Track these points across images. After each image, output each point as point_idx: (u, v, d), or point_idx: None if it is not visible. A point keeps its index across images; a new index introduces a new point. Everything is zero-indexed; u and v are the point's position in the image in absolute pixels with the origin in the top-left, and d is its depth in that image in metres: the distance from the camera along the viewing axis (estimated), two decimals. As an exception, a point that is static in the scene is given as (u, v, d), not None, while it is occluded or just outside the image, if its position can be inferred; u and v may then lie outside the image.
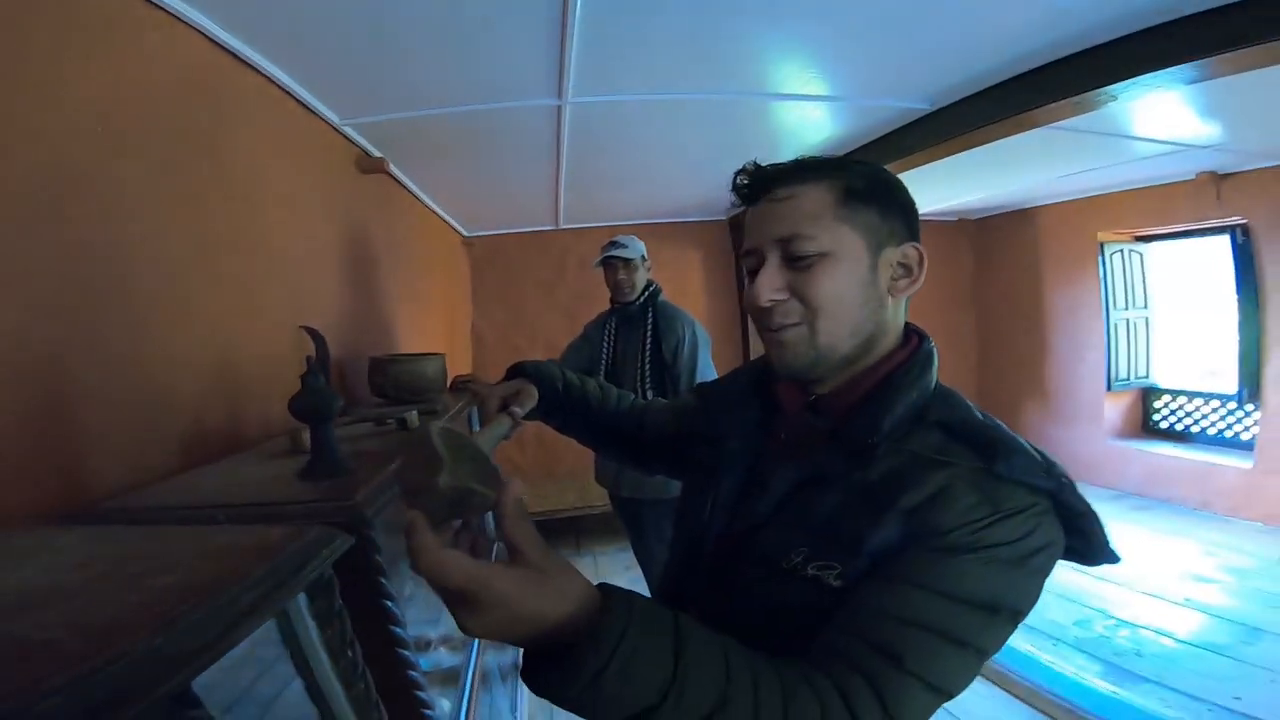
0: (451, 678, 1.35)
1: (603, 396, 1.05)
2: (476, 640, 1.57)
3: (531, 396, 0.95)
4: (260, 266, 1.45)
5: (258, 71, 1.49)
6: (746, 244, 0.71)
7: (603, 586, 0.50)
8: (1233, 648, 2.53)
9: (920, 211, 0.73)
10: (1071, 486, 0.60)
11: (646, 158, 2.87)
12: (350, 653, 0.65)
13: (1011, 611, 0.57)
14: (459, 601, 0.45)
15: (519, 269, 4.48)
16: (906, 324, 0.74)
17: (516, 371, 1.03)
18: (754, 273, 0.69)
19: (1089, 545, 0.61)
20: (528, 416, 0.97)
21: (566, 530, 4.08)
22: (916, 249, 0.69)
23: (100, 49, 0.99)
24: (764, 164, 0.71)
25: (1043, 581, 0.59)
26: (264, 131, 1.53)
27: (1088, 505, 0.60)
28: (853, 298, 0.67)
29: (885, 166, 2.88)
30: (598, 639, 0.45)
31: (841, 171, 0.68)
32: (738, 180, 0.72)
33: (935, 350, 0.72)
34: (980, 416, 0.66)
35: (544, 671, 0.47)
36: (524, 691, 2.40)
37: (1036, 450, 0.61)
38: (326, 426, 0.90)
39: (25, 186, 0.83)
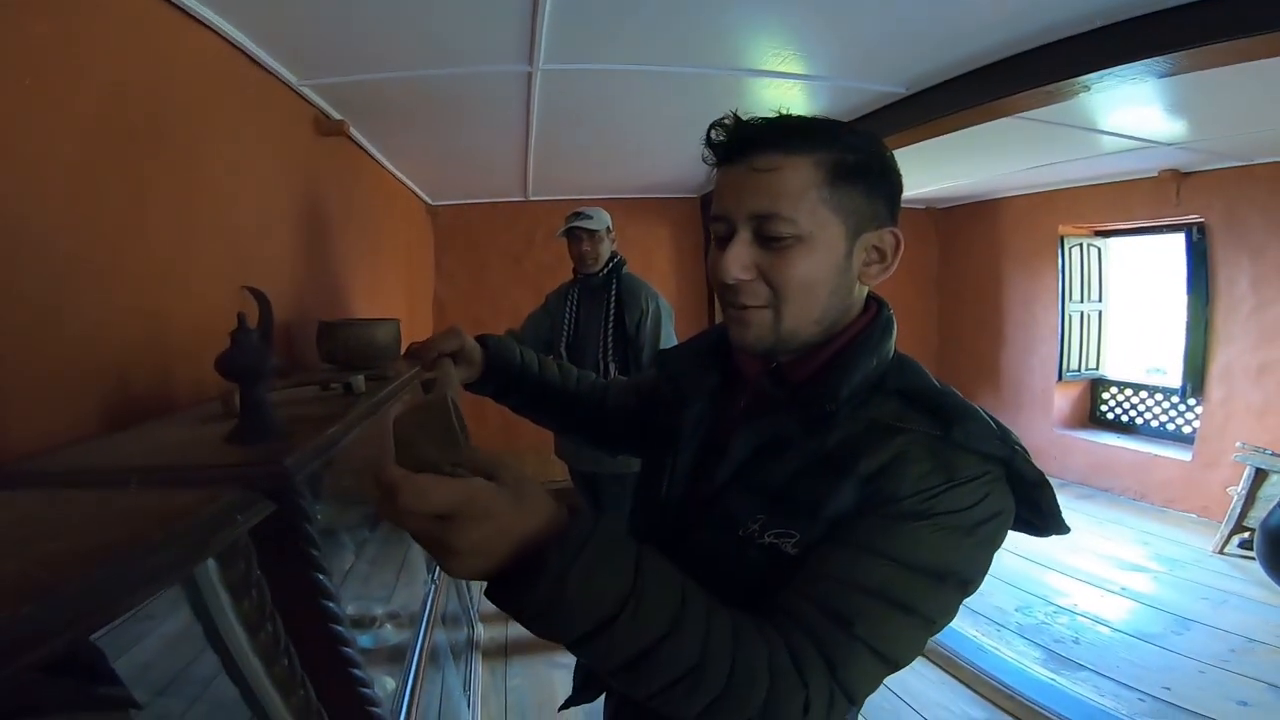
0: (398, 656, 1.31)
1: (563, 377, 1.00)
2: (425, 618, 1.54)
3: (473, 361, 0.89)
4: (202, 227, 1.36)
5: (207, 27, 1.39)
6: (717, 208, 0.65)
7: (570, 504, 0.51)
8: (1164, 637, 2.64)
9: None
10: (1025, 455, 0.60)
11: (618, 131, 2.80)
12: (270, 626, 0.61)
13: (960, 580, 0.58)
14: (442, 529, 0.43)
15: (485, 239, 4.39)
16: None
17: (480, 338, 0.96)
18: (722, 241, 0.65)
19: (1039, 515, 0.62)
20: (476, 390, 0.93)
21: None
22: (894, 234, 0.66)
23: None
24: (746, 118, 0.64)
25: (992, 552, 0.60)
26: (211, 90, 1.44)
27: (1041, 475, 0.60)
28: (823, 285, 0.63)
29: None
30: (564, 541, 0.46)
31: (833, 144, 0.61)
32: (713, 135, 0.64)
33: (893, 318, 0.70)
34: (937, 384, 0.65)
35: (509, 580, 0.46)
36: (476, 670, 2.38)
37: (991, 418, 0.61)
38: (258, 387, 0.84)
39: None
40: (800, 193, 0.60)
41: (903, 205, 0.68)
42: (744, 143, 0.63)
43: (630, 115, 2.51)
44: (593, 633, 0.47)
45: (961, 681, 2.38)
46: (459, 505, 0.43)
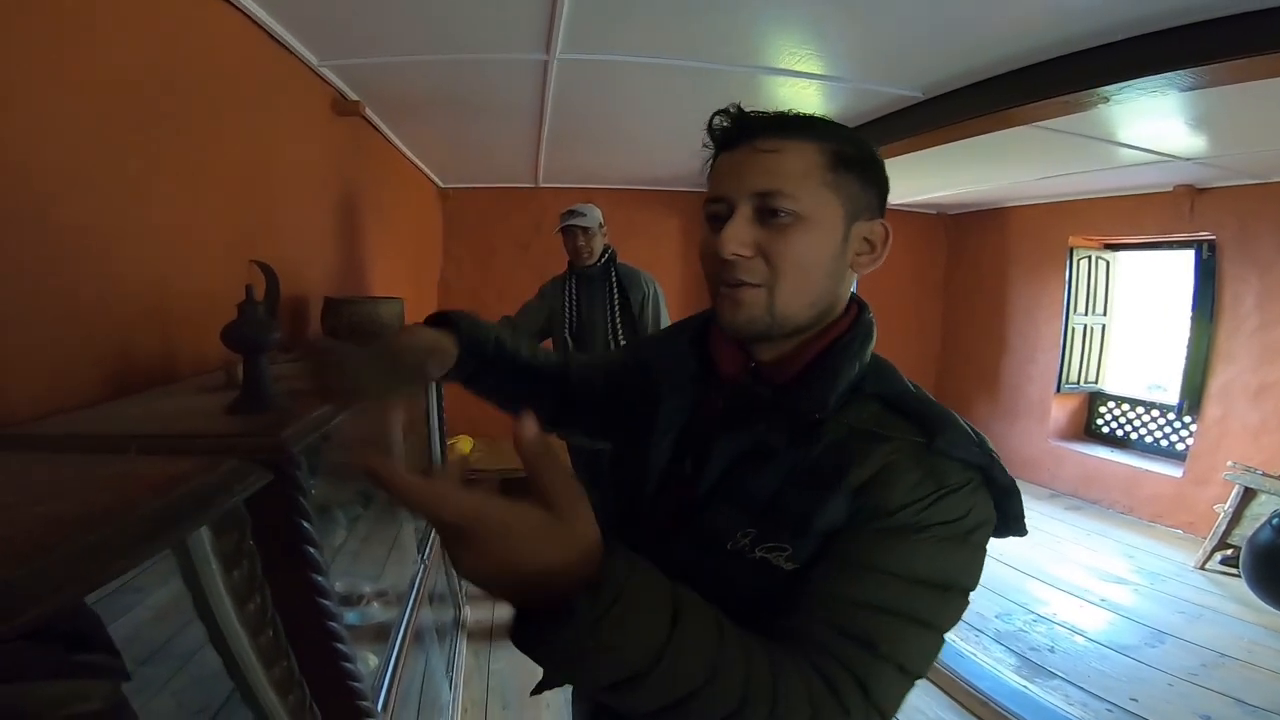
0: (383, 634, 1.33)
1: (530, 353, 0.92)
2: (413, 597, 1.56)
3: (444, 350, 0.79)
4: (214, 200, 1.37)
5: (229, 2, 1.40)
6: (715, 191, 0.65)
7: (606, 538, 0.45)
8: (1137, 649, 2.66)
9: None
10: (999, 462, 0.61)
11: (632, 122, 2.80)
12: (259, 598, 0.62)
13: (961, 588, 0.59)
14: (451, 532, 0.40)
15: (494, 224, 4.39)
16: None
17: (441, 321, 0.84)
18: (719, 221, 0.64)
19: (1006, 520, 0.63)
20: (451, 378, 0.85)
21: (519, 490, 4.05)
22: (885, 226, 0.67)
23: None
24: (748, 110, 0.64)
25: (984, 557, 0.60)
26: (231, 66, 1.44)
27: (1012, 481, 0.62)
28: (820, 267, 0.63)
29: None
30: (598, 588, 0.41)
31: (835, 135, 0.63)
32: (715, 121, 0.65)
33: (874, 321, 0.70)
34: (912, 388, 0.66)
35: (535, 622, 0.42)
36: (461, 651, 2.41)
37: (967, 425, 0.62)
38: (261, 359, 0.85)
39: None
40: (803, 173, 0.61)
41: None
42: (748, 128, 0.63)
43: (644, 108, 2.51)
44: (622, 683, 0.43)
45: (938, 686, 2.41)
46: (468, 523, 0.40)
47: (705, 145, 0.67)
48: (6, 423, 0.81)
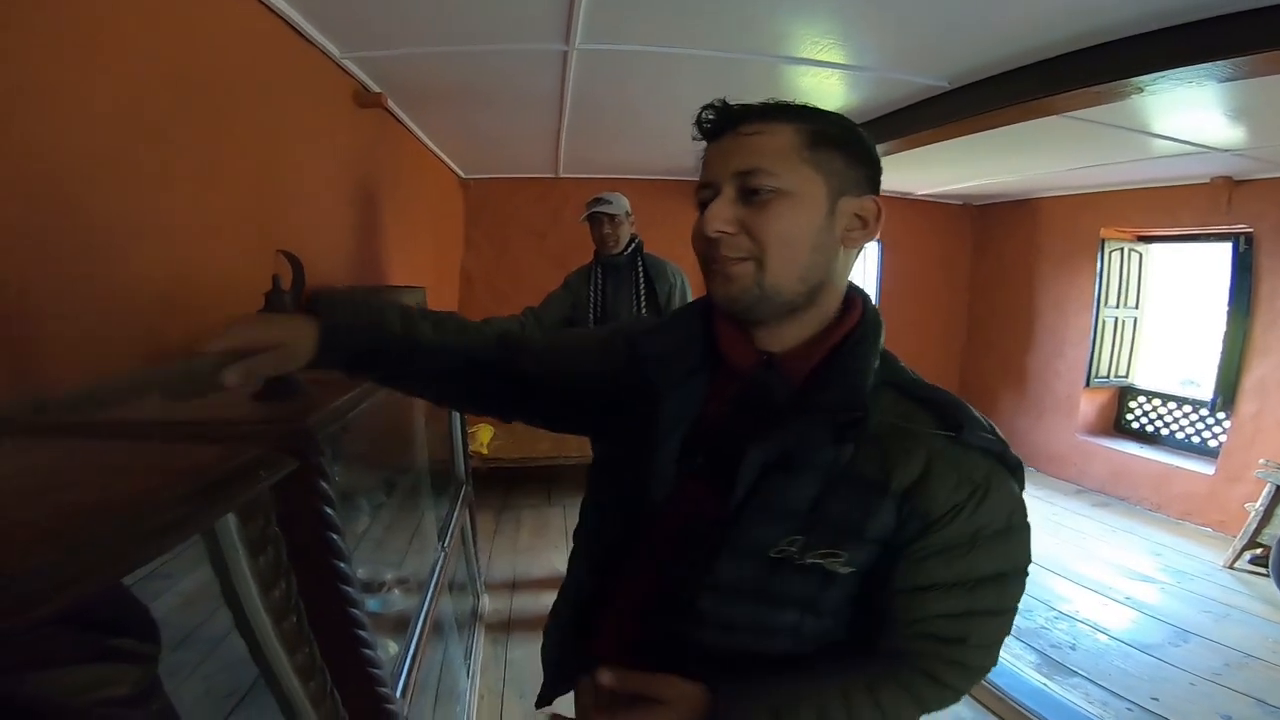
0: (403, 621, 1.35)
1: (455, 335, 0.80)
2: (433, 585, 1.58)
3: (287, 358, 0.67)
4: (237, 191, 1.39)
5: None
6: (703, 178, 0.68)
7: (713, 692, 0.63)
8: (1160, 647, 2.61)
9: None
10: (1005, 441, 0.66)
11: (652, 112, 2.77)
12: (283, 584, 0.63)
13: (1022, 571, 0.67)
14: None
15: (514, 214, 4.43)
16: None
17: (313, 306, 0.73)
18: (706, 206, 0.66)
19: None
20: (318, 366, 0.72)
21: (538, 479, 4.10)
22: (875, 202, 0.68)
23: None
24: (733, 103, 0.67)
25: (1029, 532, 0.66)
26: (252, 60, 1.46)
27: (1018, 460, 0.67)
28: (805, 240, 0.64)
29: (898, 143, 2.76)
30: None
31: (814, 117, 0.66)
32: (703, 115, 0.68)
33: (879, 311, 0.72)
34: (912, 373, 0.70)
35: None
36: (479, 641, 2.45)
37: (971, 408, 0.66)
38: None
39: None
40: (782, 151, 0.63)
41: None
42: (730, 118, 0.66)
43: (664, 97, 2.48)
44: None
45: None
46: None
47: (694, 138, 0.70)
48: (35, 410, 0.84)
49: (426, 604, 1.46)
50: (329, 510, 0.80)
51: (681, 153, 3.68)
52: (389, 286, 1.73)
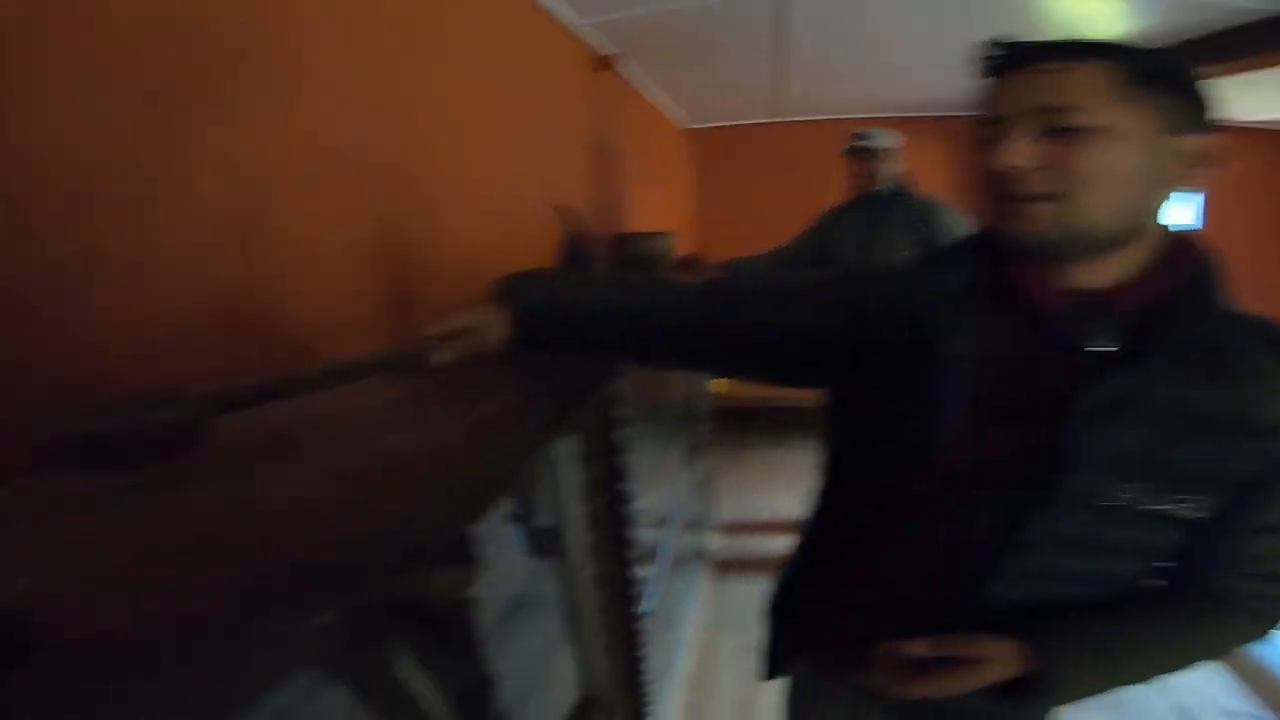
0: (649, 554, 1.49)
1: (632, 294, 0.78)
2: (674, 518, 1.70)
3: (486, 340, 0.72)
4: (517, 159, 1.62)
5: None
6: (991, 112, 0.61)
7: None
8: None
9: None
10: None
11: (884, 47, 2.56)
12: (599, 499, 0.75)
13: None
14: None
15: (743, 160, 4.44)
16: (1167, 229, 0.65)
17: (503, 290, 0.76)
18: (993, 141, 0.60)
19: None
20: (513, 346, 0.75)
21: (771, 420, 4.06)
22: (1216, 140, 0.60)
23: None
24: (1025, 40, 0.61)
25: None
26: (516, 44, 1.67)
27: None
28: (1123, 179, 0.58)
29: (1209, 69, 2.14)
30: (1045, 689, 0.63)
31: (1128, 53, 0.58)
32: (989, 50, 0.62)
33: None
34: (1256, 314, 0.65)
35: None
36: (700, 576, 2.58)
37: None
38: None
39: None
40: (1098, 88, 0.57)
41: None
42: (1027, 53, 0.60)
43: (898, 30, 2.28)
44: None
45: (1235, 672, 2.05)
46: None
47: (980, 74, 0.63)
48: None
49: (668, 537, 1.59)
50: (618, 458, 0.92)
51: (920, 87, 3.35)
52: (646, 233, 1.92)
